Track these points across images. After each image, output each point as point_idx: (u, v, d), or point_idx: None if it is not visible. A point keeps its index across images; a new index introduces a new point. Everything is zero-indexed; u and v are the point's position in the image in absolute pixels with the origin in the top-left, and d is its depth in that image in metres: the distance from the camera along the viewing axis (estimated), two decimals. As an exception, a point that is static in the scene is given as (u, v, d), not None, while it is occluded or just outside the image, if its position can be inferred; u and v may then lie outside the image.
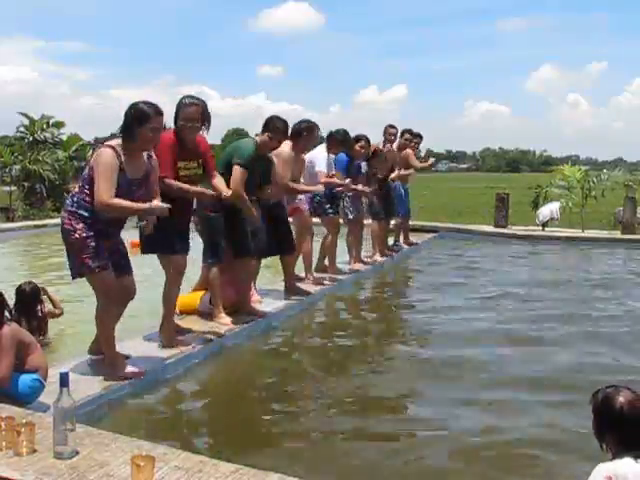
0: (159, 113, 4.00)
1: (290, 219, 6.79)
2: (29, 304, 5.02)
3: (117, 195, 3.83)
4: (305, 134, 6.51)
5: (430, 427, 3.87)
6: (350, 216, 8.31)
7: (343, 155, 7.83)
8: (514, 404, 4.21)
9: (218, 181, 5.06)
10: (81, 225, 3.88)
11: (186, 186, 4.71)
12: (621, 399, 2.19)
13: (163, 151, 4.50)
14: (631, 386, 2.28)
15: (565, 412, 3.99)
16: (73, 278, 4.09)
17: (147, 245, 4.73)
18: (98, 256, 3.91)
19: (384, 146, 9.14)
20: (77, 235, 3.88)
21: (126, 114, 3.97)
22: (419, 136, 10.41)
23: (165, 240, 4.63)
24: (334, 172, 7.55)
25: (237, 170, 5.33)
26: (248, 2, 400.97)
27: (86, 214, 3.90)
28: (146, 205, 3.95)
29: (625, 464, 2.09)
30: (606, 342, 5.67)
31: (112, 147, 3.87)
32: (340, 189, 7.58)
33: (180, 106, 4.75)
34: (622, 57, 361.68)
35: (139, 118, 3.91)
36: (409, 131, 9.93)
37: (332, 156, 7.56)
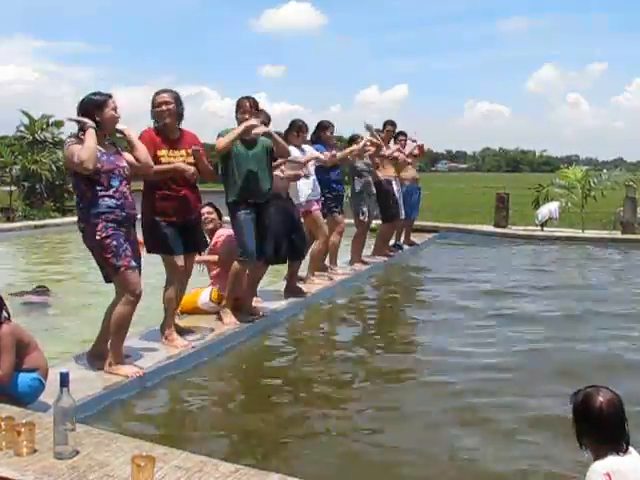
0: (110, 95, 4.16)
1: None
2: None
3: (104, 168, 3.98)
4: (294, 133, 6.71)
5: (431, 424, 3.88)
6: (361, 217, 8.34)
7: (320, 146, 7.67)
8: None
9: None
10: (100, 226, 3.96)
11: (158, 167, 4.63)
12: (600, 398, 2.25)
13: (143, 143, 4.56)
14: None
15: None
16: (107, 282, 4.19)
17: (149, 245, 4.83)
18: (121, 255, 3.98)
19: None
20: (97, 236, 3.97)
21: (81, 108, 4.09)
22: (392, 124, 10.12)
23: (163, 241, 4.72)
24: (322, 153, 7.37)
25: (218, 139, 5.35)
26: (250, 2, 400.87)
27: (97, 210, 3.96)
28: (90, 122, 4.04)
29: (617, 460, 2.17)
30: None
31: (69, 136, 4.11)
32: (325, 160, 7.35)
33: (153, 98, 4.85)
34: (623, 57, 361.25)
35: (98, 106, 4.06)
36: (391, 122, 9.59)
37: (307, 147, 7.28)
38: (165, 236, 4.73)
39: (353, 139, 8.07)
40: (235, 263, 5.51)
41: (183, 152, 4.84)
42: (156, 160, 4.67)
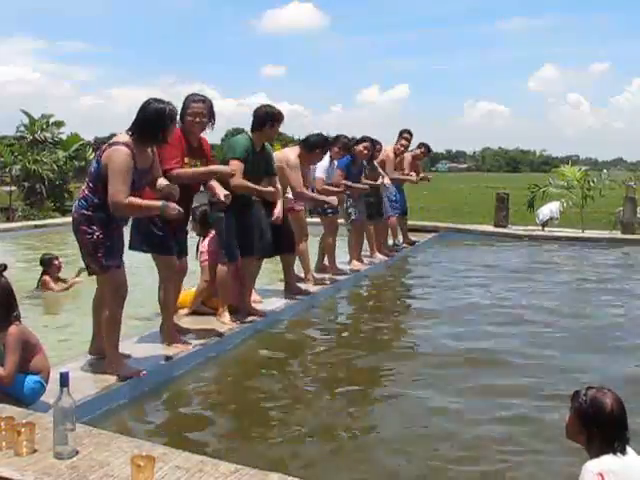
0: (176, 112, 4.13)
1: None
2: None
3: (133, 186, 3.85)
4: (318, 151, 6.55)
5: (435, 424, 3.87)
6: (353, 216, 8.34)
7: (348, 158, 7.87)
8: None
9: (214, 183, 4.97)
10: (98, 227, 3.90)
11: (198, 170, 4.66)
12: (608, 400, 2.28)
13: (170, 145, 4.40)
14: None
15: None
16: (89, 275, 4.15)
17: (138, 243, 4.69)
18: (112, 254, 3.95)
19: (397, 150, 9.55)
20: (95, 237, 3.90)
21: (150, 113, 3.93)
22: (427, 148, 10.53)
23: (162, 241, 4.62)
24: (334, 178, 7.57)
25: (232, 163, 5.30)
26: (251, 2, 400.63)
27: (103, 215, 3.89)
28: (158, 203, 3.96)
29: (610, 459, 2.20)
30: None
31: (127, 145, 3.85)
32: (338, 192, 7.51)
33: (187, 103, 4.75)
34: (623, 57, 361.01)
35: (170, 118, 3.98)
36: (408, 131, 9.89)
37: (335, 162, 7.59)
38: (164, 236, 4.64)
39: (362, 140, 8.15)
40: (219, 266, 5.49)
41: (199, 163, 4.80)
42: (181, 165, 4.63)
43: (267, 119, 5.51)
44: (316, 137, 6.56)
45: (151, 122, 3.92)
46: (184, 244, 4.95)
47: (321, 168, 7.29)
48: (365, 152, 8.12)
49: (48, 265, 7.21)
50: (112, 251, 3.96)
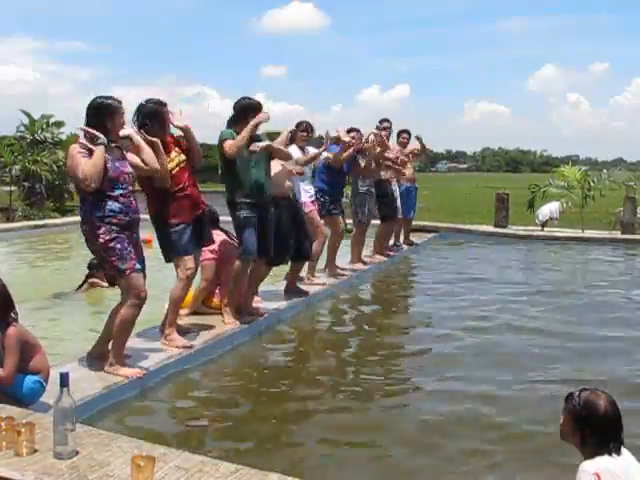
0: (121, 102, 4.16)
1: None
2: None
3: (108, 172, 3.93)
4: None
5: (435, 424, 3.88)
6: (360, 216, 8.33)
7: (334, 146, 7.80)
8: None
9: None
10: (103, 229, 3.94)
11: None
12: (602, 402, 2.29)
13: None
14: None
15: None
16: (112, 286, 4.35)
17: (168, 253, 4.89)
18: (125, 257, 3.97)
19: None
20: (101, 240, 3.95)
21: (91, 108, 4.04)
22: (407, 132, 10.26)
23: (180, 243, 4.77)
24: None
25: (226, 142, 5.29)
26: (252, 3, 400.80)
27: (100, 214, 3.94)
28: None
29: (606, 460, 2.21)
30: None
31: (76, 141, 4.03)
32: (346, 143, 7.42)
33: (160, 110, 4.77)
34: (623, 57, 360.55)
35: (111, 112, 4.04)
36: (387, 120, 9.35)
37: (311, 148, 7.24)
38: (182, 238, 4.77)
39: (349, 131, 8.09)
40: (237, 262, 5.52)
41: (174, 153, 4.86)
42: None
43: (248, 110, 5.47)
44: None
45: (93, 116, 4.03)
46: (201, 239, 5.00)
47: (295, 154, 6.95)
48: (353, 141, 7.93)
49: (97, 269, 7.09)
50: (124, 254, 3.98)
